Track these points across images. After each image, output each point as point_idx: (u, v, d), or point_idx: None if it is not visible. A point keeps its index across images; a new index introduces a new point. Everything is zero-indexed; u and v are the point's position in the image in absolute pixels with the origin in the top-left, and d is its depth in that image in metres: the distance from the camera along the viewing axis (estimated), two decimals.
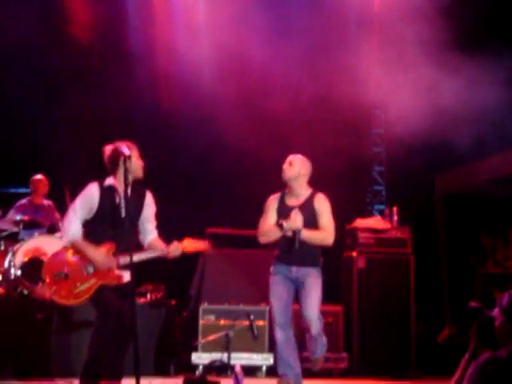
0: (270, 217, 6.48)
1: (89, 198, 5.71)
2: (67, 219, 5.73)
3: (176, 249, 5.73)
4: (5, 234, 8.47)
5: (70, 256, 5.70)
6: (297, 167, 6.46)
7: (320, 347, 6.53)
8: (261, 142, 9.51)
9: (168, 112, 9.91)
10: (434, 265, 9.64)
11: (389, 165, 10.59)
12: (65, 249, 5.86)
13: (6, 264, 8.08)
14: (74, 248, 5.67)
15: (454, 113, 8.50)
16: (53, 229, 8.79)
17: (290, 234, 6.30)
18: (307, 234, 6.32)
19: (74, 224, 5.69)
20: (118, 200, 5.72)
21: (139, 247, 5.80)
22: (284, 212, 6.43)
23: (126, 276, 5.57)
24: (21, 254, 8.01)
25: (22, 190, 9.15)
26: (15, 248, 8.15)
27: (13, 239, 8.54)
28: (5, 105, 9.71)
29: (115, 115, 9.74)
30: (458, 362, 3.89)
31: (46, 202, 9.24)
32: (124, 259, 5.54)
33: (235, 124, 9.52)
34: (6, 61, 9.59)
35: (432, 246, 9.66)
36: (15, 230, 8.52)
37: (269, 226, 6.44)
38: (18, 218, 8.44)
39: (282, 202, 6.51)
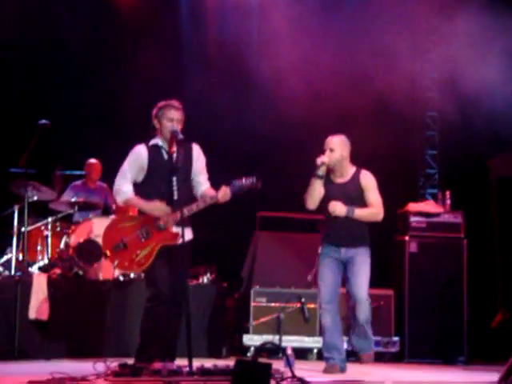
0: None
1: (137, 157, 5.76)
2: (117, 181, 5.79)
3: (225, 193, 5.70)
4: (60, 215, 8.61)
5: (124, 225, 5.76)
6: (338, 151, 6.48)
7: (367, 341, 6.52)
8: (316, 123, 9.47)
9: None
10: (487, 249, 9.52)
11: (442, 148, 10.47)
12: (116, 220, 5.95)
13: (62, 245, 8.23)
14: (126, 217, 5.74)
15: (509, 94, 8.38)
16: (107, 211, 8.91)
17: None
18: (358, 213, 6.42)
19: (125, 185, 5.75)
20: (166, 157, 5.77)
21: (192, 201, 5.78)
22: (330, 189, 6.51)
23: (187, 234, 5.62)
24: (76, 236, 8.15)
25: (77, 173, 9.27)
26: (71, 229, 8.28)
27: (68, 221, 8.69)
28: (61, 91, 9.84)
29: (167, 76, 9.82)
30: (510, 348, 3.87)
31: (100, 185, 9.37)
32: (176, 216, 5.60)
33: (295, 106, 9.52)
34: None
35: (486, 230, 9.54)
36: (70, 211, 8.66)
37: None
38: (73, 199, 8.57)
39: (327, 179, 6.55)
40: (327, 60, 9.35)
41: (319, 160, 6.40)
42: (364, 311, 6.44)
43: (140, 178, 5.80)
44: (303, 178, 6.55)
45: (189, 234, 5.75)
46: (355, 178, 6.53)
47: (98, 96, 9.83)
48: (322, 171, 6.44)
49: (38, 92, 9.72)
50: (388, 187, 6.69)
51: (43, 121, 7.72)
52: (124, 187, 5.76)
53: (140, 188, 5.80)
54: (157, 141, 5.83)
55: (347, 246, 6.49)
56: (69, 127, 9.56)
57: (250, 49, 9.81)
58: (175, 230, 5.67)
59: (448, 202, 8.78)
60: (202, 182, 5.90)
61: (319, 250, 6.62)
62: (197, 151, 5.92)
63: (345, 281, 6.55)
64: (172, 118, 5.76)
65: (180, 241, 5.55)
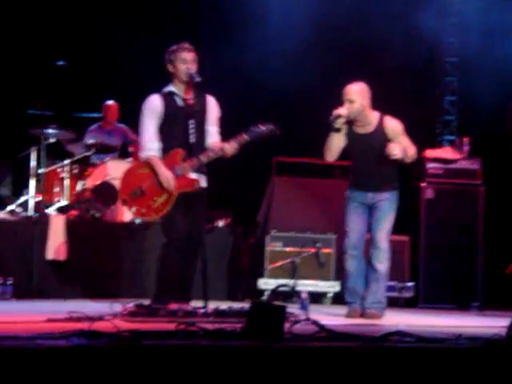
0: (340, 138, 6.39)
1: (152, 108, 5.77)
2: (144, 136, 5.78)
3: (231, 147, 5.70)
4: (77, 157, 8.63)
5: (141, 172, 5.78)
6: (358, 101, 6.23)
7: (379, 296, 6.33)
8: (333, 68, 9.39)
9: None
10: (504, 197, 9.49)
11: (461, 94, 10.37)
12: (134, 165, 5.98)
13: (79, 187, 8.27)
14: (145, 163, 5.78)
15: None
16: (125, 153, 8.92)
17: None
18: (410, 153, 6.23)
19: (151, 142, 5.75)
20: (181, 104, 5.77)
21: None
22: (354, 141, 6.35)
23: (202, 181, 5.65)
24: (93, 178, 8.18)
25: (95, 115, 9.26)
26: (87, 172, 8.31)
27: (85, 163, 8.71)
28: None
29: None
30: None
31: (117, 126, 9.35)
32: (193, 163, 5.62)
33: (311, 50, 9.42)
34: None
35: (503, 177, 9.49)
36: (87, 153, 8.68)
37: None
38: (90, 142, 8.58)
39: (351, 128, 6.37)
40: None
41: (335, 112, 6.20)
42: (381, 261, 6.32)
43: (157, 126, 5.82)
44: (321, 122, 6.46)
45: (203, 182, 5.78)
46: (379, 127, 6.30)
47: (114, 37, 9.75)
48: (338, 124, 6.23)
49: (55, 33, 9.65)
50: (406, 133, 6.59)
51: (60, 62, 7.68)
52: (149, 144, 5.76)
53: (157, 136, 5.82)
54: (171, 87, 5.83)
55: (374, 191, 6.36)
56: (86, 68, 9.51)
57: None
58: (193, 176, 5.71)
59: (466, 148, 8.72)
60: (212, 132, 5.90)
61: (346, 195, 6.51)
62: (212, 102, 5.93)
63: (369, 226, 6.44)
64: (185, 59, 5.74)
65: (197, 186, 5.63)
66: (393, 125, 6.35)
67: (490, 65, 8.87)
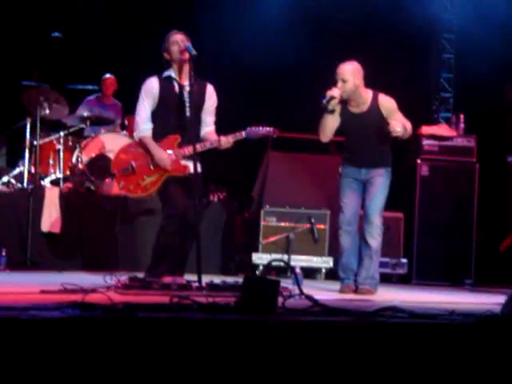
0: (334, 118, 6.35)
1: (149, 90, 5.81)
2: (138, 117, 5.84)
3: (227, 141, 5.81)
4: (72, 129, 8.59)
5: (137, 150, 5.84)
6: (351, 81, 6.17)
7: (372, 272, 6.32)
8: (327, 44, 9.36)
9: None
10: (499, 174, 9.50)
11: (458, 72, 10.34)
12: (131, 143, 6.00)
13: (74, 160, 8.23)
14: (141, 143, 5.81)
15: None
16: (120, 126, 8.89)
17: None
18: (408, 130, 6.22)
19: (144, 122, 5.81)
20: (177, 90, 5.79)
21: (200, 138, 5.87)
22: (348, 120, 6.32)
23: (196, 167, 5.67)
24: (88, 151, 8.14)
25: (90, 87, 9.21)
26: (83, 144, 8.27)
27: (80, 135, 8.68)
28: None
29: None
30: None
31: (115, 102, 9.33)
32: (187, 150, 5.68)
33: (305, 25, 9.38)
34: None
35: (498, 155, 9.50)
36: (82, 125, 8.64)
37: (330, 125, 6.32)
38: (86, 114, 8.52)
39: (345, 108, 6.32)
40: None
41: (329, 94, 6.13)
42: (374, 237, 6.31)
43: (153, 109, 5.85)
44: (317, 98, 6.42)
45: (198, 168, 5.76)
46: (374, 105, 6.26)
47: (112, 7, 9.68)
48: (332, 106, 6.18)
49: (51, 3, 9.57)
50: (401, 110, 6.55)
51: (56, 33, 7.63)
52: (142, 125, 5.82)
53: (153, 119, 5.84)
54: (170, 72, 5.85)
55: (367, 167, 6.35)
56: (82, 40, 9.45)
57: None
58: (184, 162, 5.76)
59: (462, 125, 8.72)
60: (208, 122, 5.96)
61: (340, 171, 6.49)
62: (210, 90, 5.96)
63: (363, 202, 6.42)
64: (175, 40, 5.77)
65: (187, 172, 5.70)
66: (387, 102, 6.32)
67: (486, 42, 8.84)
